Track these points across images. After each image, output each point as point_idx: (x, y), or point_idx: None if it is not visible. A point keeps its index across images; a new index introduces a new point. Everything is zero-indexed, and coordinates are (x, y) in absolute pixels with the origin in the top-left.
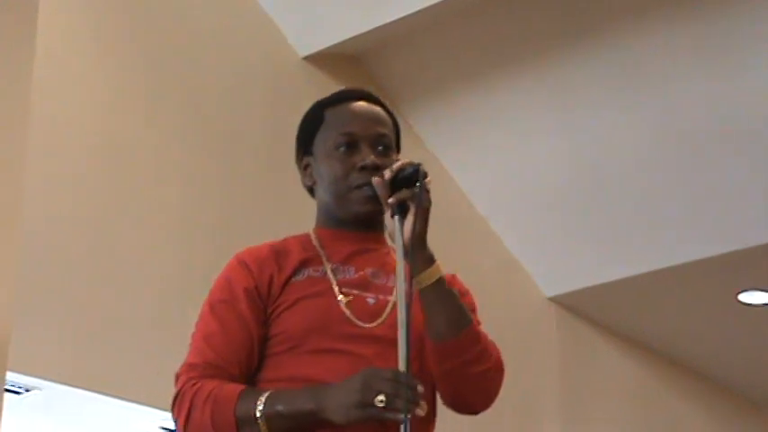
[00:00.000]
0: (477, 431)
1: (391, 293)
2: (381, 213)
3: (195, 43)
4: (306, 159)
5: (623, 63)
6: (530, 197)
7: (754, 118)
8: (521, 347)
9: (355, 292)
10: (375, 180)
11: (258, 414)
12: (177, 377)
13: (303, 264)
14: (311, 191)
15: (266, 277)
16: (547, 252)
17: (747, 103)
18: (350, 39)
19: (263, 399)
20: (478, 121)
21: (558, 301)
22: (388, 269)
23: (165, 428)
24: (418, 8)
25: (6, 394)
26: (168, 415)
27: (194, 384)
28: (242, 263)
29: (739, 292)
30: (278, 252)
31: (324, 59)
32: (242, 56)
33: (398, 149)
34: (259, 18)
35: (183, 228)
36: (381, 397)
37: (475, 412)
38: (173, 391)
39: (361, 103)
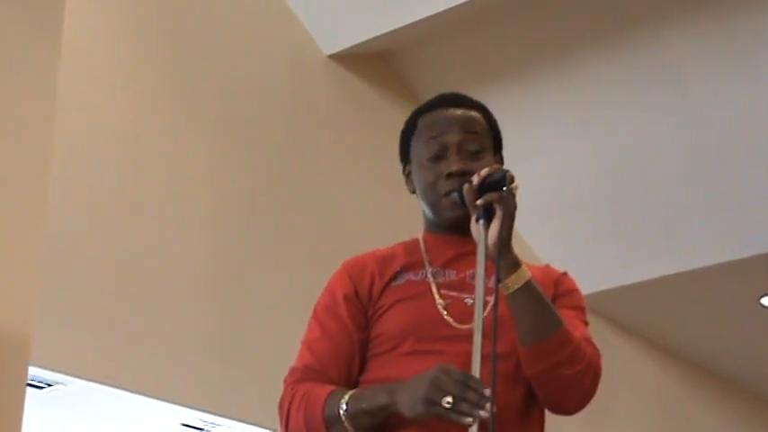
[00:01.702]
0: None
1: (490, 295)
2: (469, 219)
3: (222, 41)
4: (408, 167)
5: (647, 65)
6: (551, 199)
7: None
8: None
9: (454, 294)
10: (465, 186)
11: (342, 412)
12: (285, 380)
13: (405, 268)
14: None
15: (367, 282)
16: (568, 254)
17: None
18: (375, 38)
19: (346, 398)
20: (502, 121)
21: None
22: (490, 272)
23: (187, 425)
24: (443, 8)
25: (29, 389)
26: (189, 411)
27: (293, 388)
28: (344, 270)
29: (762, 296)
30: (382, 258)
31: (349, 58)
32: (268, 54)
33: (499, 148)
34: (285, 16)
35: (208, 223)
36: (449, 399)
37: (568, 413)
38: (195, 387)
39: (451, 109)
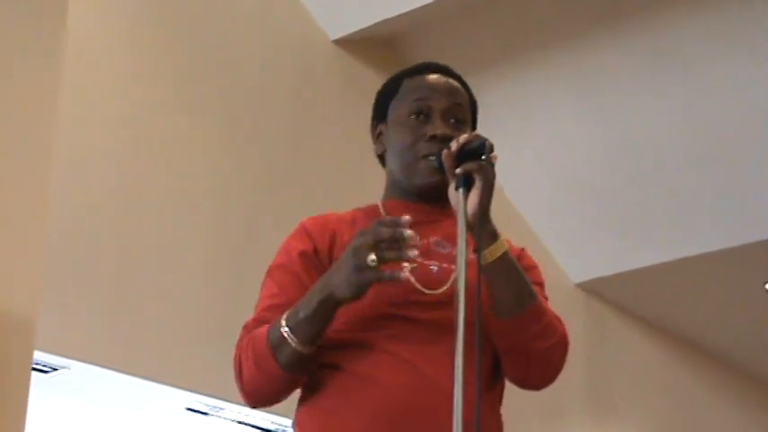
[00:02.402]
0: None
1: (455, 262)
2: (446, 186)
3: (227, 28)
4: (379, 127)
5: (654, 50)
6: (558, 184)
7: None
8: None
9: (419, 259)
10: (444, 152)
11: (284, 332)
12: (237, 341)
13: None
14: (382, 160)
15: (327, 240)
16: (574, 238)
17: None
18: (380, 22)
19: (283, 317)
20: (507, 105)
21: (586, 287)
22: (453, 239)
23: (192, 409)
24: None
25: (34, 373)
26: (194, 396)
27: (242, 340)
28: (303, 228)
29: (767, 281)
30: (343, 219)
31: (354, 43)
32: (272, 38)
33: (474, 128)
34: (290, 2)
35: (212, 207)
36: (372, 257)
37: (537, 388)
38: (199, 372)
39: (439, 76)
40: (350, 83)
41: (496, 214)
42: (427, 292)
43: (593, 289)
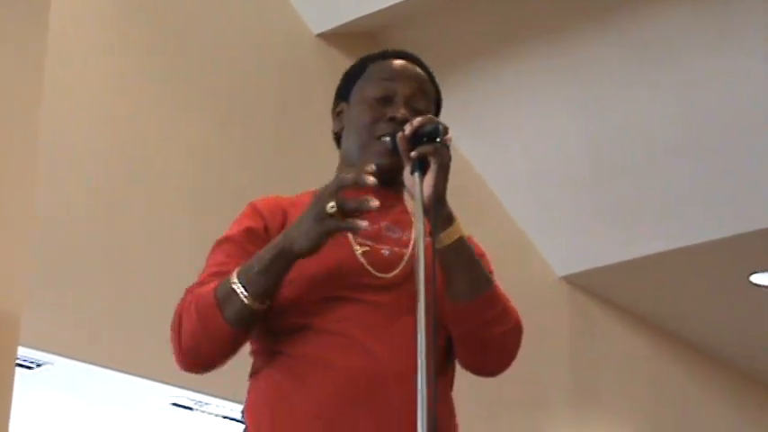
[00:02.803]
0: (487, 409)
1: (407, 247)
2: (400, 170)
3: (210, 21)
4: (341, 106)
5: (641, 42)
6: (543, 176)
7: None
8: (532, 326)
9: (370, 243)
10: (398, 135)
11: (234, 286)
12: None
13: None
14: (338, 140)
15: (279, 220)
16: (559, 231)
17: (764, 83)
18: (363, 16)
19: (234, 272)
20: (494, 98)
21: (571, 280)
22: (404, 225)
23: (177, 404)
24: None
25: (18, 369)
26: (180, 392)
27: (184, 300)
28: (253, 207)
29: (751, 274)
30: (293, 203)
31: (337, 37)
32: (255, 33)
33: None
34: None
35: (196, 203)
36: (331, 203)
37: (492, 374)
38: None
39: (407, 63)
40: (334, 77)
41: (481, 208)
42: (379, 275)
43: (577, 282)
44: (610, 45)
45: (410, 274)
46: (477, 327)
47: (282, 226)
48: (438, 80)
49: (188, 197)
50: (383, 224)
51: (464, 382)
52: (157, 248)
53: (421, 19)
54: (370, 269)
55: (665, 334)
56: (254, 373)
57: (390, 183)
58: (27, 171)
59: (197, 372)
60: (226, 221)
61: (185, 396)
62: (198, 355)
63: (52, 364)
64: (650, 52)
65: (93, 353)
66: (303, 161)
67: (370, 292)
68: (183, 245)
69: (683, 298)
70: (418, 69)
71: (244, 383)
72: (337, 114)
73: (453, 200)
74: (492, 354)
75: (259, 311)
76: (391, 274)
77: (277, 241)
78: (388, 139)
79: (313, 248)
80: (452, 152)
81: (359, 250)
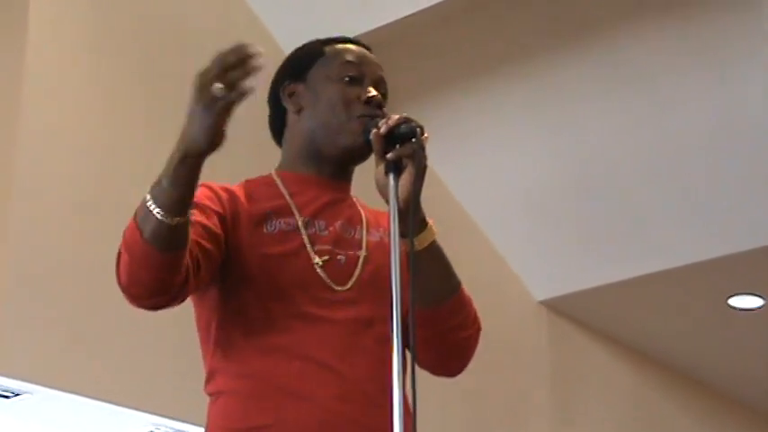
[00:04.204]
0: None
1: (359, 247)
2: (369, 153)
3: (186, 42)
4: (293, 86)
5: (614, 64)
6: (520, 200)
7: (747, 121)
8: (511, 351)
9: (327, 247)
10: (373, 132)
11: (147, 202)
12: None
13: (273, 212)
14: (277, 132)
15: (234, 208)
16: (537, 255)
17: (739, 106)
18: None
19: (147, 191)
20: (468, 123)
21: (549, 304)
22: (354, 221)
23: None
24: (407, 13)
25: None
26: (159, 420)
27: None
28: (210, 188)
29: (729, 297)
30: (246, 191)
31: None
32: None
33: None
34: (250, 22)
35: None
36: (217, 84)
37: (452, 375)
38: (163, 395)
39: (366, 51)
40: None
41: (458, 232)
42: (336, 288)
43: (556, 306)
44: (583, 68)
45: (367, 281)
46: (445, 330)
47: (238, 216)
48: (417, 103)
49: None
50: (338, 223)
51: (444, 407)
52: None
53: (394, 45)
54: (329, 282)
55: (645, 357)
56: (216, 393)
57: (345, 172)
58: (2, 196)
59: (148, 306)
60: None
61: (165, 424)
62: (136, 285)
63: (30, 393)
64: (623, 76)
65: (71, 381)
66: None
67: (332, 308)
68: None
69: (662, 321)
70: (376, 58)
71: None
72: (289, 95)
73: (432, 224)
74: (455, 356)
75: (178, 227)
76: (349, 284)
77: (176, 147)
78: (369, 119)
79: (214, 141)
80: (429, 175)
81: (318, 263)
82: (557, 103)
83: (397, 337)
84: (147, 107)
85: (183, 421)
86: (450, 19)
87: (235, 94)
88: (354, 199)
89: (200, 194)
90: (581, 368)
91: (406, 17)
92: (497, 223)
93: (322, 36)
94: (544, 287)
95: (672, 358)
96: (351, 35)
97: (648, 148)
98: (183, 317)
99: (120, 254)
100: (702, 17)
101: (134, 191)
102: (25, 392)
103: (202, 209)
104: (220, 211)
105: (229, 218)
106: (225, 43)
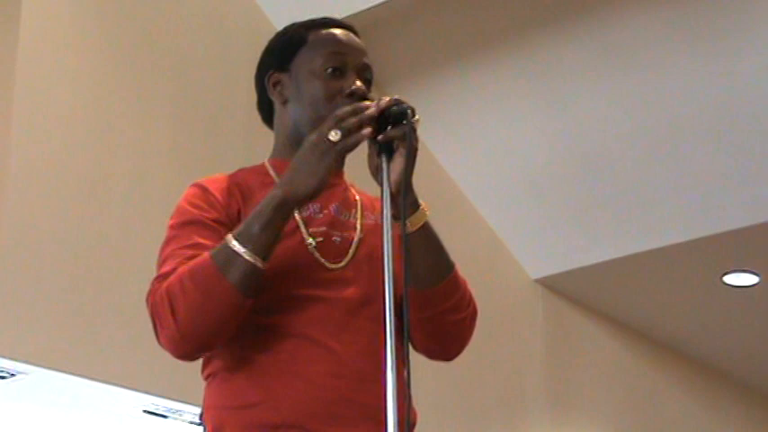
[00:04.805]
0: (462, 411)
1: (354, 230)
2: (353, 146)
3: (180, 26)
4: (278, 76)
5: (608, 46)
6: (515, 179)
7: (738, 102)
8: (507, 329)
9: (322, 229)
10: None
11: (236, 247)
12: (146, 297)
13: None
14: (267, 115)
15: (234, 208)
16: (532, 234)
17: (730, 88)
18: None
19: (229, 235)
20: (463, 103)
21: (544, 283)
22: (349, 204)
23: (149, 412)
24: None
25: None
26: (153, 399)
27: (162, 286)
28: (207, 191)
29: (724, 274)
30: (239, 183)
31: None
32: (224, 38)
33: None
34: (245, 3)
35: (169, 208)
36: (333, 131)
37: (448, 359)
38: (158, 374)
39: (349, 32)
40: None
41: (453, 211)
42: (331, 266)
43: (551, 284)
44: (577, 49)
45: (362, 261)
46: (440, 313)
47: (237, 215)
48: (409, 83)
49: (162, 201)
50: (333, 206)
51: (440, 385)
52: (129, 255)
53: (389, 23)
54: (323, 261)
55: (640, 335)
56: (212, 374)
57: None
58: None
59: (192, 356)
60: None
61: (159, 403)
62: (198, 334)
63: (25, 373)
64: (618, 56)
65: (67, 362)
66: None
67: (327, 287)
68: (154, 250)
69: (658, 299)
70: (359, 40)
71: None
72: (273, 85)
73: (427, 203)
74: (451, 339)
75: (263, 273)
76: (343, 263)
77: (275, 193)
78: None
79: (321, 185)
80: (425, 155)
81: (312, 243)
82: (553, 83)
83: (390, 317)
84: (138, 101)
85: (177, 400)
86: (436, 2)
87: (351, 140)
88: (349, 183)
89: (196, 199)
90: (576, 346)
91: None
92: (493, 202)
93: (311, 15)
94: (539, 265)
95: (667, 336)
96: (346, 14)
97: (643, 127)
98: None
99: (171, 298)
100: (694, 3)
101: (125, 176)
102: (21, 373)
103: (212, 229)
104: (221, 218)
105: (227, 220)
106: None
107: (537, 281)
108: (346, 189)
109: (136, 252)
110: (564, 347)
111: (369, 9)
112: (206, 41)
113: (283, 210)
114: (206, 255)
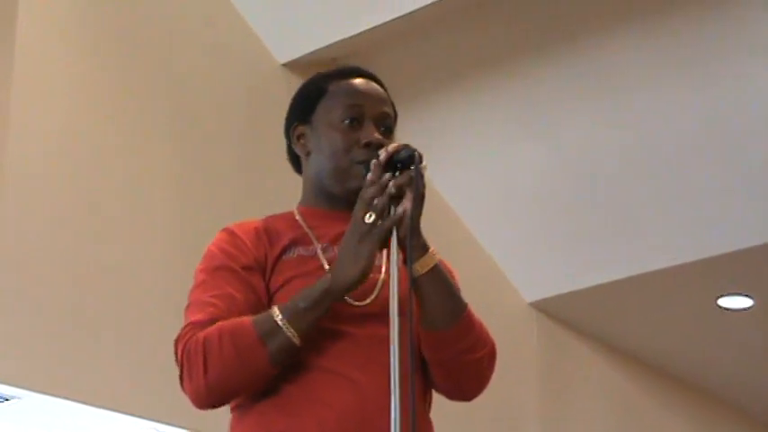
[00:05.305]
0: None
1: (379, 272)
2: None
3: (176, 51)
4: (301, 128)
5: (600, 71)
6: (510, 203)
7: (731, 125)
8: (501, 352)
9: None
10: (372, 162)
11: (279, 321)
12: (178, 340)
13: (293, 242)
14: (296, 164)
15: (262, 253)
16: (527, 258)
17: (722, 111)
18: (328, 45)
19: (275, 308)
20: (458, 126)
21: (539, 306)
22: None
23: None
24: (396, 15)
25: None
26: (150, 424)
27: (198, 335)
28: (236, 236)
29: (719, 297)
30: (267, 229)
31: (303, 66)
32: (221, 62)
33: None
34: (237, 24)
35: (165, 232)
36: (368, 216)
37: (467, 399)
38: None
39: (368, 81)
40: None
41: (448, 234)
42: (354, 303)
43: (546, 308)
44: (570, 74)
45: (386, 301)
46: (453, 354)
47: (265, 258)
48: (404, 108)
49: (156, 226)
50: None
51: (434, 409)
52: (128, 279)
53: (386, 48)
54: (348, 298)
55: (634, 359)
56: (239, 406)
57: None
58: None
59: (211, 407)
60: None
61: (153, 428)
62: (224, 392)
63: (20, 398)
64: (610, 81)
65: (62, 386)
66: (269, 190)
67: (350, 323)
68: (152, 275)
69: (652, 323)
70: (378, 87)
71: (212, 416)
72: (298, 138)
73: (421, 227)
74: (467, 379)
75: (298, 350)
76: (367, 302)
77: (323, 280)
78: (367, 165)
79: (366, 271)
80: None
81: None
82: (546, 108)
83: (395, 358)
84: (135, 123)
85: (176, 426)
86: (434, 26)
87: (388, 221)
88: None
89: (226, 244)
90: (571, 369)
91: (391, 21)
92: (487, 226)
93: (308, 40)
94: (534, 289)
95: (662, 359)
96: (339, 38)
97: (636, 151)
98: (175, 323)
99: (205, 350)
100: (684, 28)
101: (124, 194)
102: (15, 397)
103: (240, 277)
104: (249, 263)
105: (255, 265)
106: (210, 44)
107: (532, 304)
108: None
109: (134, 276)
110: (559, 371)
111: (358, 34)
112: (204, 64)
113: (330, 297)
114: (248, 321)
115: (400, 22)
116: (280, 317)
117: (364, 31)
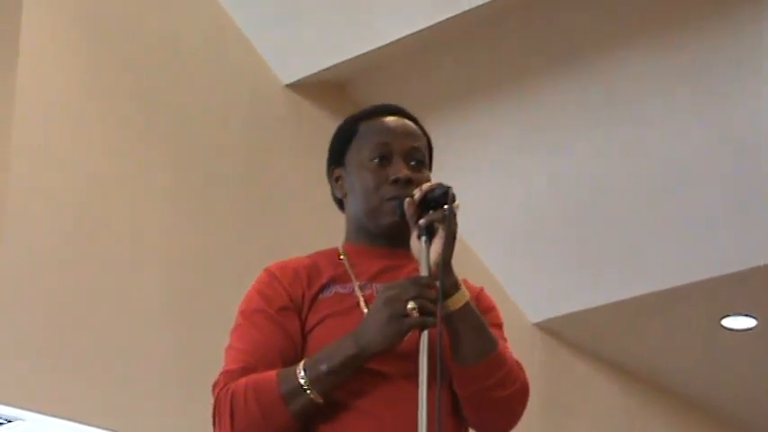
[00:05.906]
0: None
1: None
2: (408, 229)
3: (179, 71)
4: (337, 171)
5: (603, 91)
6: (514, 223)
7: (733, 146)
8: None
9: None
10: (407, 201)
11: (302, 381)
12: (214, 386)
13: (332, 280)
14: (340, 204)
15: (299, 291)
16: (531, 278)
17: (725, 132)
18: (332, 66)
19: (300, 366)
20: (462, 147)
21: (543, 326)
22: None
23: None
24: (400, 36)
25: None
26: None
27: (229, 387)
28: (275, 278)
29: (723, 317)
30: (307, 267)
31: (306, 87)
32: (225, 84)
33: (430, 168)
34: (242, 45)
35: (166, 254)
36: (411, 304)
37: None
38: (156, 420)
39: (396, 118)
40: (303, 127)
41: (453, 256)
42: None
43: (550, 328)
44: (573, 95)
45: (416, 339)
46: (483, 390)
47: (302, 297)
48: None
49: (158, 247)
50: None
51: None
52: (127, 301)
53: (388, 68)
54: None
55: (639, 379)
56: None
57: (400, 242)
58: None
59: None
60: (195, 273)
61: None
62: None
63: (23, 419)
64: (614, 101)
65: (64, 407)
66: (272, 212)
67: (386, 362)
68: (153, 296)
69: (656, 343)
70: (408, 122)
71: None
72: (336, 180)
73: None
74: (497, 415)
75: (321, 406)
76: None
77: (348, 344)
78: (396, 201)
79: (391, 347)
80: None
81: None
82: (551, 130)
83: (423, 396)
84: (137, 130)
85: None
86: (439, 46)
87: (424, 322)
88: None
89: (265, 287)
90: (575, 389)
91: (398, 40)
92: (491, 245)
93: (312, 61)
94: (538, 309)
95: (666, 380)
96: (342, 59)
97: (639, 172)
98: (180, 346)
99: (233, 403)
100: (689, 49)
101: (125, 216)
102: (18, 419)
103: (276, 322)
104: (286, 304)
105: (291, 305)
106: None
107: (536, 324)
108: (414, 270)
109: (134, 298)
110: (562, 390)
111: (370, 52)
112: (208, 85)
113: (353, 361)
114: (273, 377)
115: (404, 42)
116: (303, 378)
117: (368, 52)
